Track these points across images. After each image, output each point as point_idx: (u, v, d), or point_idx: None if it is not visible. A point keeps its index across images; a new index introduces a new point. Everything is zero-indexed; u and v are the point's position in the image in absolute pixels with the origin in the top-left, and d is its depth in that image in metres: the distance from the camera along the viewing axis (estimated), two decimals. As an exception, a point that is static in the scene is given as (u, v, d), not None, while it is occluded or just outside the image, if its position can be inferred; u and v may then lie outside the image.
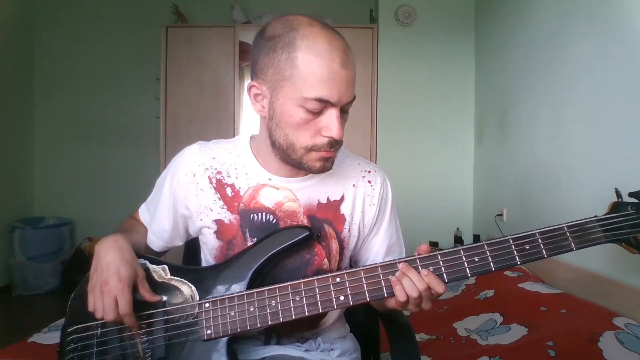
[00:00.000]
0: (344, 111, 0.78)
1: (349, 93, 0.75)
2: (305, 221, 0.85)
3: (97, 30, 3.78)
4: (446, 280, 0.73)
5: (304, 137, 0.77)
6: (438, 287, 0.72)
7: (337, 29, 0.77)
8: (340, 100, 0.74)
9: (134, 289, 0.79)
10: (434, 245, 3.11)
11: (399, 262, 0.75)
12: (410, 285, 0.72)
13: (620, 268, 1.61)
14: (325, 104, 0.74)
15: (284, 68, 0.73)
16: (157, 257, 0.89)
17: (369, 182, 0.91)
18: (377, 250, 0.92)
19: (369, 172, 0.92)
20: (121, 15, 3.77)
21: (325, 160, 0.79)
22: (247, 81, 1.22)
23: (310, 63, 0.72)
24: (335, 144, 0.78)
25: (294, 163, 0.81)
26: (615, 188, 0.74)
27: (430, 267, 0.73)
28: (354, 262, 0.96)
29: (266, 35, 0.76)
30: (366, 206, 0.90)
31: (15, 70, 3.62)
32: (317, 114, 0.75)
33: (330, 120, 0.75)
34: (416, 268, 0.73)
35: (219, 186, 0.87)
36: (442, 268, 0.73)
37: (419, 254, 0.75)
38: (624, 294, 1.55)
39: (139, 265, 0.81)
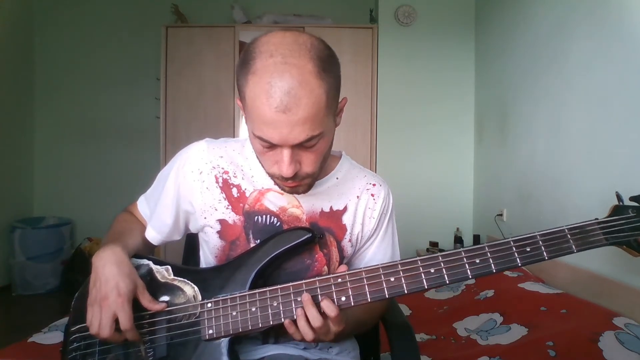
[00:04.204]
0: (305, 146, 0.71)
1: (295, 134, 0.68)
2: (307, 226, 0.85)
3: (97, 30, 3.78)
4: (447, 282, 0.73)
5: (266, 164, 0.77)
6: (330, 311, 0.71)
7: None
8: (285, 142, 0.69)
9: (136, 301, 0.78)
10: (434, 245, 3.11)
11: (335, 276, 0.75)
12: (305, 325, 0.72)
13: (620, 268, 1.61)
14: (270, 142, 0.70)
15: (241, 98, 0.72)
16: (160, 259, 0.89)
17: (372, 195, 0.91)
18: (368, 261, 0.92)
19: (374, 185, 0.92)
20: (121, 15, 3.76)
21: (292, 186, 0.78)
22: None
23: (253, 101, 0.68)
24: (295, 177, 0.74)
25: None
26: (616, 192, 0.75)
27: (432, 269, 0.73)
28: None
29: (241, 56, 0.73)
30: (366, 218, 0.90)
31: (15, 70, 3.62)
32: (270, 147, 0.72)
33: (280, 157, 0.72)
34: (414, 269, 0.73)
35: (225, 186, 0.86)
36: (443, 269, 0.73)
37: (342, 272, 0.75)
38: (624, 294, 1.55)
39: (137, 276, 0.80)
